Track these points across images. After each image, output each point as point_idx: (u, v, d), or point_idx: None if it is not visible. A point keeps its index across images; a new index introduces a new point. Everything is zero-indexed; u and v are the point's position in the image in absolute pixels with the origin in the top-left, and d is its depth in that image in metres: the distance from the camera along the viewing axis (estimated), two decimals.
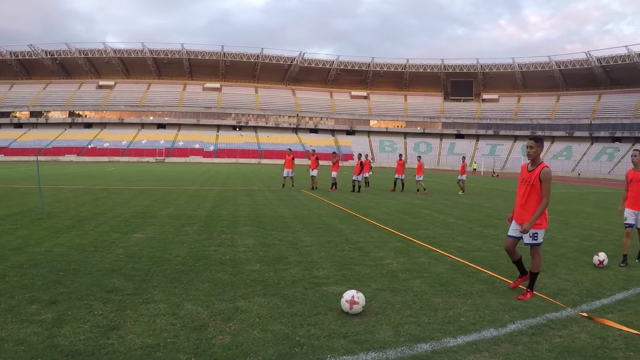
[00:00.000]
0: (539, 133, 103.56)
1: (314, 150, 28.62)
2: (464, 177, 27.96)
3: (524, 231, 6.46)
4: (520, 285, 6.96)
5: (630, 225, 9.03)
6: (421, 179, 26.61)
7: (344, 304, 5.65)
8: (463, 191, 27.50)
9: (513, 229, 6.80)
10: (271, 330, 5.08)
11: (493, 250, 9.94)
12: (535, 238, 6.59)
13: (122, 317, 5.39)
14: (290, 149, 28.23)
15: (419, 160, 27.20)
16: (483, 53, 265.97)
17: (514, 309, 6.07)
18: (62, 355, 4.42)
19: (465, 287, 6.99)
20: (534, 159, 6.80)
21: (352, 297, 5.64)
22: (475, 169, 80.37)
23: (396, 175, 26.86)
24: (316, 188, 25.65)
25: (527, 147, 6.92)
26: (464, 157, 29.82)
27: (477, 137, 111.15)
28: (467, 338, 5.03)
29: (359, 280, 7.21)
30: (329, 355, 4.48)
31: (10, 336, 4.84)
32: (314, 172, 26.04)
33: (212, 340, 4.78)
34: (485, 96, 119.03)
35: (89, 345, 4.63)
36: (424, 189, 26.29)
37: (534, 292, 6.70)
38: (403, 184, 26.89)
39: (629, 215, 9.02)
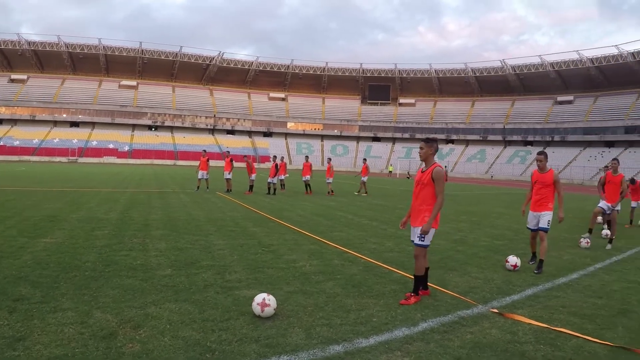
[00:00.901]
0: (454, 137, 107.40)
1: (228, 152, 28.38)
2: (365, 178, 28.39)
3: (425, 232, 6.47)
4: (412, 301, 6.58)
5: (533, 230, 9.44)
6: (331, 181, 26.88)
7: (255, 307, 5.67)
8: (365, 192, 27.98)
9: (414, 234, 6.82)
10: (182, 336, 5.03)
11: (406, 251, 10.20)
12: (422, 239, 6.60)
13: (29, 327, 5.17)
14: (205, 150, 27.99)
15: (328, 163, 27.64)
16: (402, 58, 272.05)
17: (426, 307, 6.27)
18: None
19: (377, 288, 7.14)
20: (426, 160, 6.92)
21: (263, 300, 5.67)
22: (391, 172, 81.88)
23: (303, 177, 27.13)
24: (230, 190, 25.50)
25: (419, 148, 7.02)
26: (365, 160, 30.29)
27: (394, 140, 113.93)
28: (380, 338, 5.15)
29: (272, 283, 7.24)
30: None
31: None
32: (229, 175, 25.89)
33: (121, 348, 4.68)
34: (402, 100, 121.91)
35: None
36: (332, 191, 26.64)
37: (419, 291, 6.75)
38: (309, 186, 27.16)
39: (531, 219, 9.37)
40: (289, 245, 10.47)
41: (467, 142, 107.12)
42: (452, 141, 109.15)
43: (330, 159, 28.37)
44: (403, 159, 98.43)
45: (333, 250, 10.06)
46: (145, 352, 4.62)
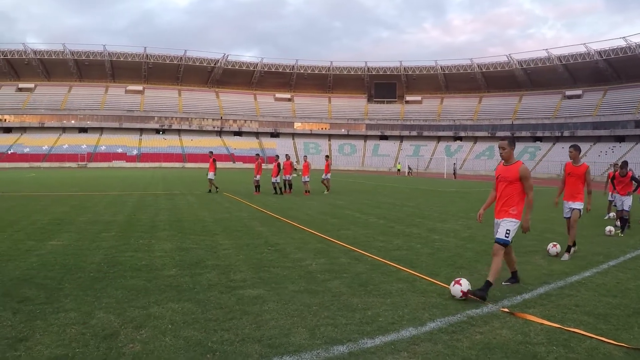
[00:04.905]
0: (462, 134, 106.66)
1: (211, 152, 28.29)
2: (328, 176, 28.07)
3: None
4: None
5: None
6: (307, 179, 26.64)
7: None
8: (328, 190, 27.60)
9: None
10: (184, 336, 4.96)
11: (414, 249, 10.08)
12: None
13: (32, 328, 5.19)
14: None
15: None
16: (408, 56, 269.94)
17: (434, 307, 6.09)
18: None
19: (384, 287, 7.00)
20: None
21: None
22: (399, 170, 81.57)
23: (288, 177, 26.84)
24: (212, 191, 25.63)
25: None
26: (327, 156, 30.03)
27: (401, 138, 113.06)
28: (386, 338, 5.00)
29: (277, 282, 7.15)
30: None
31: None
32: (211, 175, 26.05)
33: (122, 349, 4.64)
34: (408, 98, 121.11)
35: None
36: (307, 191, 26.10)
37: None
38: (290, 185, 26.79)
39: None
40: (296, 244, 10.40)
41: (475, 139, 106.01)
42: (460, 138, 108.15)
43: (306, 157, 28.33)
44: (411, 157, 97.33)
45: (340, 249, 9.96)
46: (146, 352, 4.57)
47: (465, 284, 6.42)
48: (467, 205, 21.67)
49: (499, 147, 7.05)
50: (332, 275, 7.67)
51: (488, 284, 6.48)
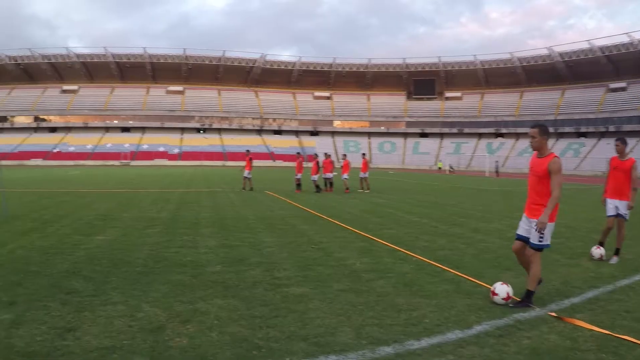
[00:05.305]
0: (503, 130, 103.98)
1: (248, 151, 28.33)
2: (366, 174, 27.70)
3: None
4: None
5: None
6: (347, 177, 26.37)
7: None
8: (368, 189, 27.08)
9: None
10: (229, 332, 4.97)
11: (458, 249, 9.90)
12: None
13: (80, 319, 5.32)
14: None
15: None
16: (445, 51, 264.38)
17: (480, 309, 5.94)
18: (17, 355, 4.38)
19: (429, 288, 6.86)
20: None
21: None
22: (440, 168, 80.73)
23: (329, 175, 26.46)
24: (251, 189, 25.66)
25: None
26: (364, 154, 29.73)
27: (442, 135, 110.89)
28: (432, 340, 4.90)
29: (321, 281, 7.11)
30: (287, 359, 4.38)
31: None
32: (248, 173, 26.09)
33: (169, 342, 4.69)
34: (448, 94, 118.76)
35: (45, 346, 4.59)
36: (347, 189, 25.83)
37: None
38: (331, 183, 26.45)
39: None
40: (339, 243, 10.33)
41: (517, 136, 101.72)
42: (501, 135, 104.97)
43: (345, 155, 28.16)
44: (452, 155, 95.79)
45: (383, 248, 9.85)
46: (192, 346, 4.61)
47: (502, 291, 6.15)
48: (511, 204, 21.25)
49: (530, 136, 6.42)
50: (376, 274, 7.58)
51: (529, 294, 6.17)
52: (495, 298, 6.15)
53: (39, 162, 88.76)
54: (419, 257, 9.01)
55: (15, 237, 10.51)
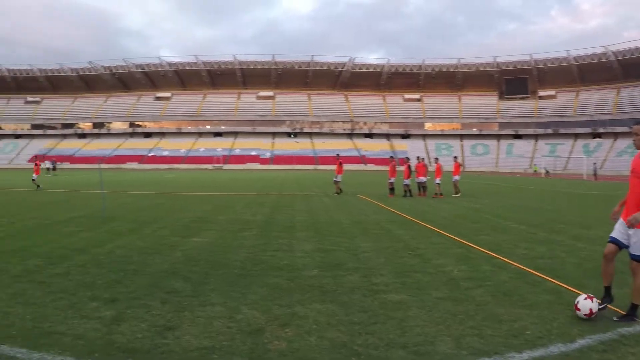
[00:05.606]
0: (601, 130, 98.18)
1: (338, 155, 28.29)
2: (457, 178, 27.03)
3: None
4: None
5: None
6: (439, 182, 25.71)
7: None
8: (458, 193, 26.28)
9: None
10: (328, 337, 4.97)
11: (558, 258, 9.44)
12: None
13: (179, 318, 5.49)
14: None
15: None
16: (536, 48, 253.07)
17: (583, 322, 5.61)
18: (118, 351, 4.55)
19: (530, 298, 6.57)
20: None
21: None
22: (535, 171, 77.87)
23: (422, 179, 25.77)
24: (339, 192, 25.64)
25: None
26: (455, 158, 28.96)
27: (536, 136, 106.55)
28: (534, 353, 4.67)
29: (420, 288, 6.97)
30: None
31: (70, 330, 5.07)
32: (338, 178, 26.03)
33: (268, 345, 4.74)
34: (541, 93, 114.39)
35: (145, 343, 4.76)
36: (441, 193, 25.24)
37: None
38: (425, 187, 25.69)
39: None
40: (436, 249, 10.11)
41: (615, 135, 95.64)
42: (599, 135, 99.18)
43: (437, 159, 27.67)
44: (547, 157, 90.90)
45: (481, 255, 9.57)
46: (291, 350, 4.63)
47: (585, 307, 5.65)
48: (611, 210, 20.22)
49: (633, 133, 5.92)
50: (475, 283, 7.36)
51: (634, 307, 5.69)
52: (578, 313, 5.75)
53: (134, 165, 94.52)
54: (518, 265, 8.66)
55: (114, 237, 11.04)
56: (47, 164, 60.36)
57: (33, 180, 29.24)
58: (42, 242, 10.37)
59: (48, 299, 6.19)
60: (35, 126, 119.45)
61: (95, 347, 4.61)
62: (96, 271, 7.70)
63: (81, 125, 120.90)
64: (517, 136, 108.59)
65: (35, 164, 30.93)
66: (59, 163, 76.31)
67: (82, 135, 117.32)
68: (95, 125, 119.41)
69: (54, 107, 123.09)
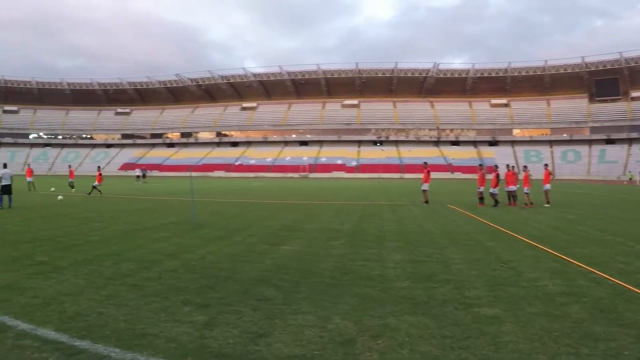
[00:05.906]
0: None
1: (425, 163, 27.83)
2: (548, 186, 25.70)
3: None
4: None
5: None
6: (528, 191, 24.64)
7: None
8: (548, 202, 25.09)
9: None
10: (420, 351, 4.97)
11: None
12: None
13: (271, 326, 5.63)
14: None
15: (525, 171, 25.96)
16: (626, 45, 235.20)
17: None
18: (210, 356, 4.74)
19: (629, 316, 6.28)
20: None
21: None
22: (631, 178, 73.78)
23: (506, 188, 24.94)
24: (427, 202, 25.10)
25: None
26: (546, 165, 27.69)
27: (630, 141, 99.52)
28: None
29: (513, 302, 6.81)
30: None
31: (163, 333, 5.33)
32: (425, 186, 25.54)
33: (359, 356, 4.79)
34: (634, 94, 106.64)
35: (237, 349, 4.92)
36: (531, 203, 24.27)
37: None
38: (515, 197, 24.78)
39: None
40: (529, 262, 9.80)
41: None
42: None
43: (526, 167, 26.70)
44: None
45: (576, 269, 9.20)
46: None
47: None
48: None
49: None
50: (570, 298, 7.12)
51: None
52: None
53: (221, 173, 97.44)
54: (616, 280, 8.28)
55: (204, 244, 11.42)
56: (137, 172, 62.99)
57: (94, 187, 31.08)
58: (134, 247, 10.92)
59: (141, 302, 6.52)
60: (125, 136, 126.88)
61: (187, 351, 4.83)
62: (188, 276, 8.02)
63: (169, 135, 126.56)
64: (610, 141, 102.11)
65: (99, 174, 31.98)
66: (149, 171, 79.56)
67: (171, 145, 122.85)
68: (183, 134, 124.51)
69: (143, 117, 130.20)
